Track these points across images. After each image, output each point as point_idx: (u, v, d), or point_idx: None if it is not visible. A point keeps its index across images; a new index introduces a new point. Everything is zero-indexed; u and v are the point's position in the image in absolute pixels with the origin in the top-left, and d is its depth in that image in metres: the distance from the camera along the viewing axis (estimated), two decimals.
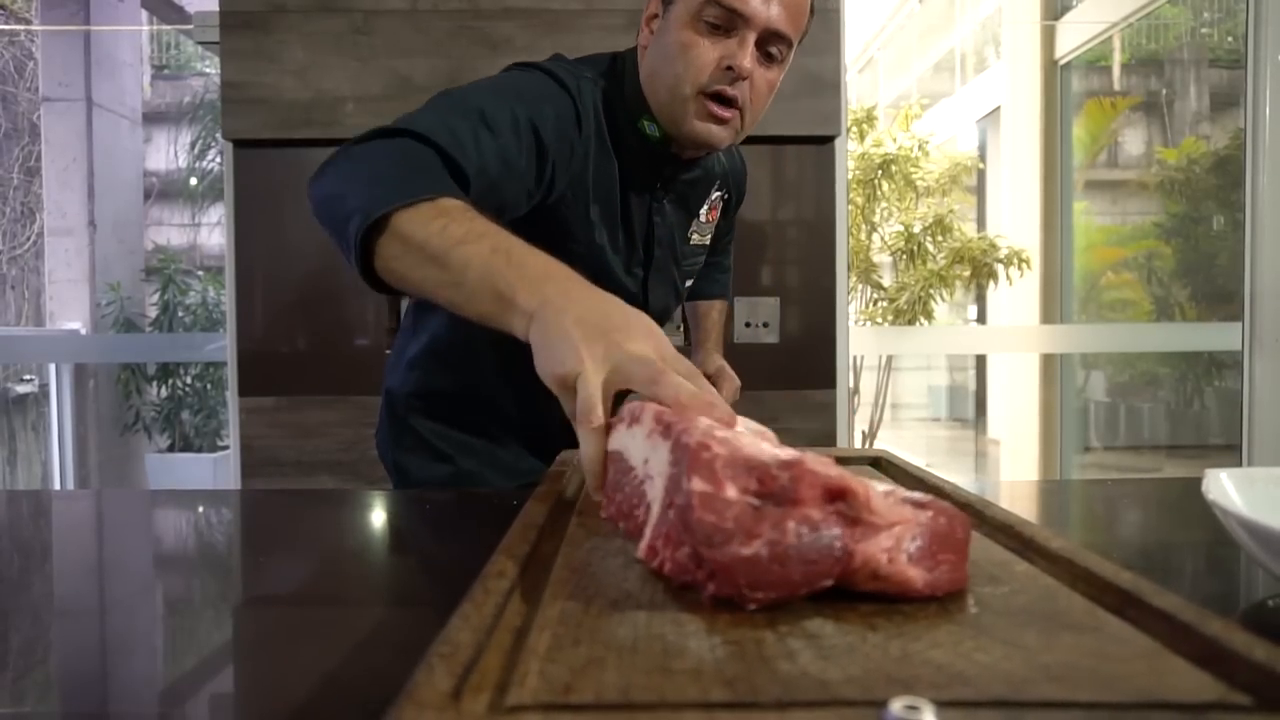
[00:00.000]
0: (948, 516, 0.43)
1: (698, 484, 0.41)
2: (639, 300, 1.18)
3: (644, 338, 0.60)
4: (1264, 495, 0.53)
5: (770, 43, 1.00)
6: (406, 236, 0.73)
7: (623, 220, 1.11)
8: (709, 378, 1.32)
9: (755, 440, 0.46)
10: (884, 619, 0.38)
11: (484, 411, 1.18)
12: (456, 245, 0.71)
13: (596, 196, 1.07)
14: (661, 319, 1.26)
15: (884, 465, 0.76)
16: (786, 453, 0.44)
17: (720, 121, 1.02)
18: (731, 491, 0.40)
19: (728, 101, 1.01)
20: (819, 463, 0.42)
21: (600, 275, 1.09)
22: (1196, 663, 0.32)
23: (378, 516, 0.89)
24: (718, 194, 1.27)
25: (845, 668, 0.32)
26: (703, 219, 1.25)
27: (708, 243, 1.30)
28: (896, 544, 0.41)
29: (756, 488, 0.41)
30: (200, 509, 0.96)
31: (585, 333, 0.59)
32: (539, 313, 0.63)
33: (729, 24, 0.98)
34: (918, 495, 0.45)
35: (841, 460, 0.80)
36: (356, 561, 0.72)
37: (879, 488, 0.44)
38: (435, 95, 0.96)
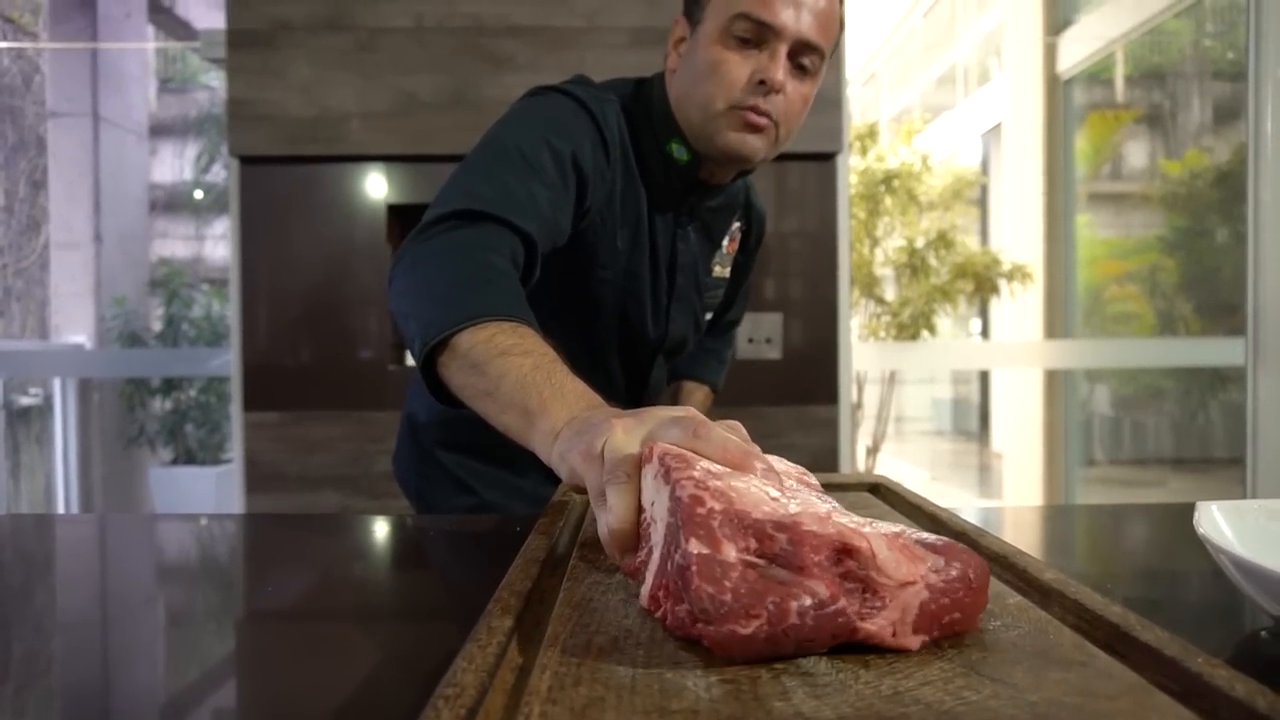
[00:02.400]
0: (963, 582, 0.41)
1: (695, 545, 0.39)
2: (660, 329, 1.17)
3: (682, 411, 0.55)
4: (1255, 528, 0.54)
5: (802, 54, 0.99)
6: (457, 348, 0.74)
7: (650, 250, 1.10)
8: None
9: (752, 488, 0.44)
10: (877, 656, 0.38)
11: (505, 440, 1.17)
12: (499, 355, 0.71)
13: (624, 222, 1.07)
14: (680, 349, 1.25)
15: (882, 492, 0.76)
16: (785, 508, 0.42)
17: (755, 130, 1.00)
18: (730, 553, 0.39)
19: (761, 115, 1.00)
20: (816, 520, 0.40)
21: (627, 301, 1.10)
22: (1180, 699, 0.33)
23: (382, 541, 0.89)
24: (737, 224, 1.25)
25: (837, 706, 0.32)
26: (724, 250, 1.24)
27: (728, 275, 1.28)
28: (903, 615, 0.39)
29: (756, 547, 0.40)
30: (209, 530, 0.96)
31: (618, 415, 0.56)
32: (570, 423, 0.60)
33: (759, 37, 0.97)
34: (931, 538, 0.43)
35: (841, 486, 0.81)
36: (360, 585, 0.72)
37: (884, 529, 0.43)
38: (474, 151, 0.97)
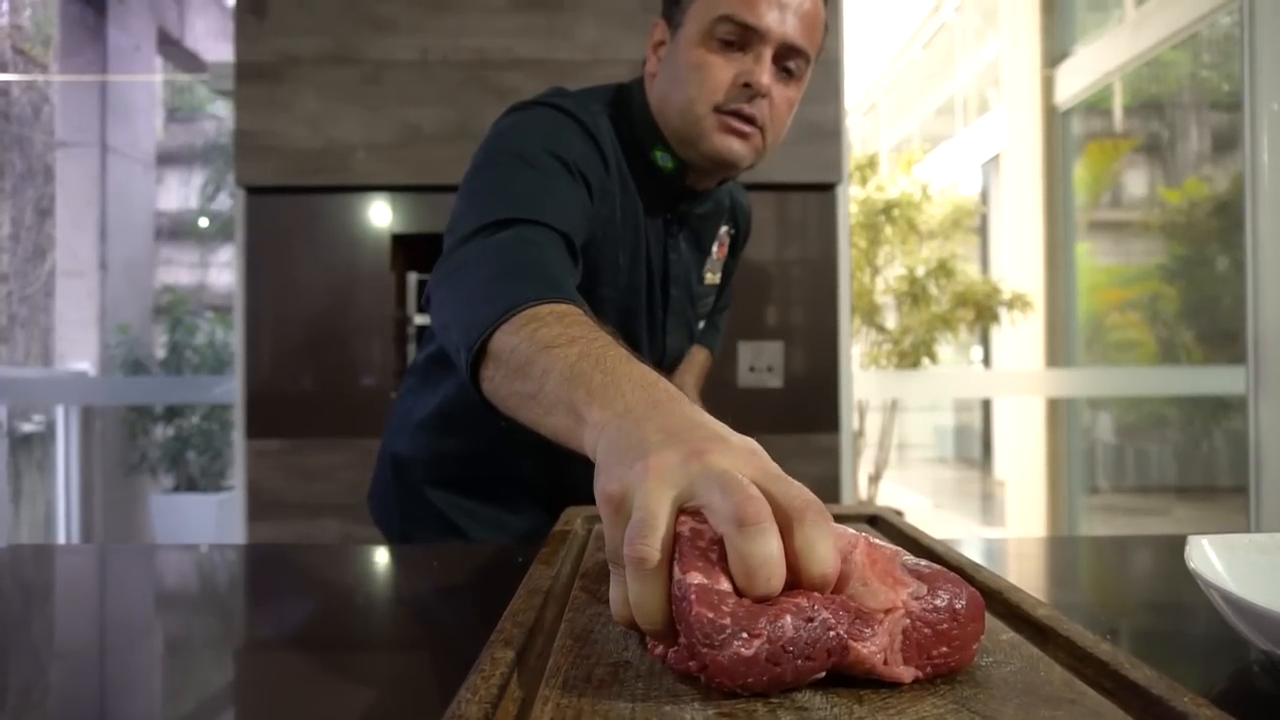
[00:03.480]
0: (948, 613, 0.41)
1: (694, 576, 0.39)
2: (659, 344, 1.13)
3: (741, 455, 0.46)
4: (1245, 562, 0.55)
5: (787, 57, 0.96)
6: (498, 353, 0.66)
7: (645, 259, 1.07)
8: None
9: None
10: (871, 691, 0.39)
11: (498, 474, 1.13)
12: (541, 351, 0.62)
13: (624, 235, 1.03)
14: (676, 363, 1.21)
15: (880, 524, 0.77)
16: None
17: (740, 136, 0.97)
18: (726, 584, 0.39)
19: (747, 120, 0.97)
20: None
21: (626, 319, 1.06)
22: None
23: (383, 572, 0.90)
24: (725, 229, 1.21)
25: None
26: (714, 256, 1.20)
27: (719, 281, 1.24)
28: (892, 641, 0.39)
29: None
30: (210, 559, 0.97)
31: (663, 439, 0.46)
32: (615, 421, 0.51)
33: (744, 40, 0.94)
34: (924, 566, 0.43)
35: (839, 518, 0.81)
36: (361, 616, 0.73)
37: (884, 548, 0.43)
38: (472, 175, 0.92)
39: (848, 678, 0.40)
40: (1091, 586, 0.81)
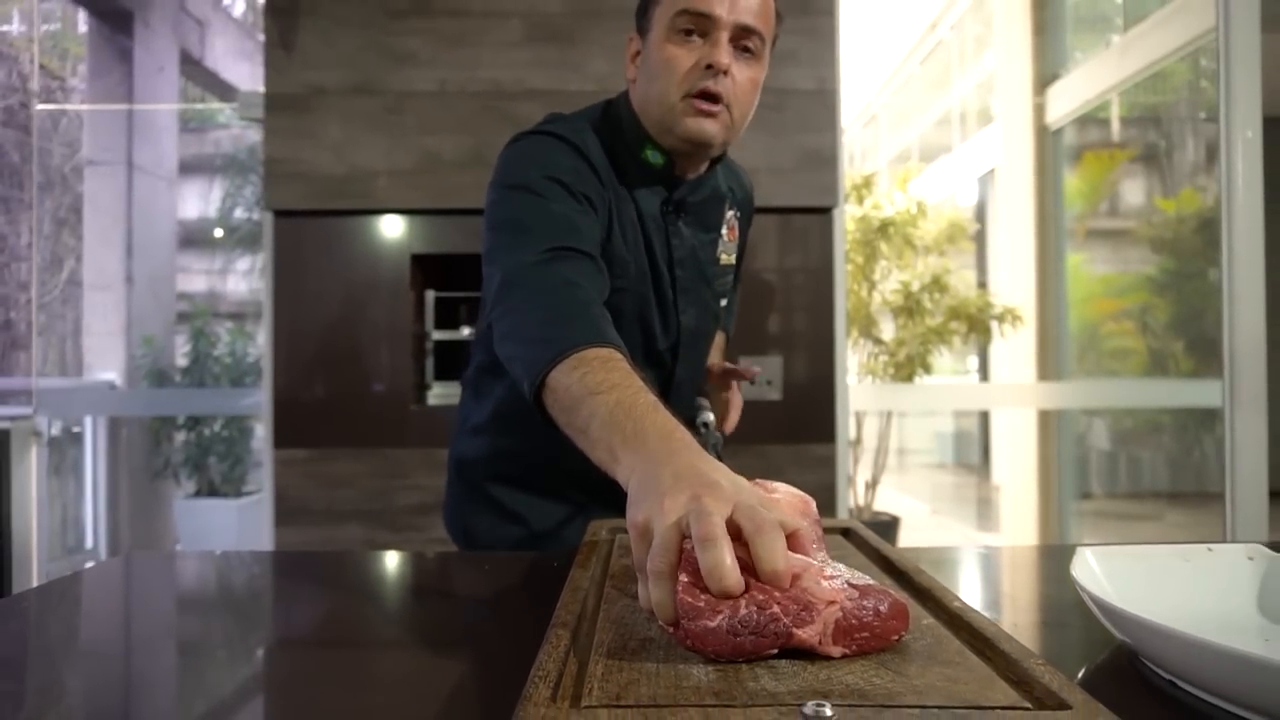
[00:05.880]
0: (873, 613, 0.55)
1: (683, 578, 0.56)
2: (673, 323, 1.24)
3: (727, 495, 0.61)
4: (1120, 569, 0.70)
5: (744, 38, 1.09)
6: (554, 388, 0.85)
7: (647, 252, 1.20)
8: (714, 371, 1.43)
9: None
10: (822, 660, 0.55)
11: (555, 469, 1.25)
12: (588, 395, 0.79)
13: (625, 234, 1.16)
14: (697, 339, 1.31)
15: (851, 535, 0.93)
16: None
17: (707, 115, 1.10)
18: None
19: (713, 98, 1.09)
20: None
21: (640, 305, 1.21)
22: (1013, 685, 0.50)
23: (451, 575, 1.05)
24: (731, 213, 1.33)
25: (788, 685, 0.50)
26: (725, 238, 1.31)
27: (734, 261, 1.36)
28: (826, 628, 0.54)
29: None
30: (234, 565, 1.12)
31: (675, 484, 0.63)
32: (641, 465, 0.68)
33: (701, 28, 1.08)
34: (860, 581, 0.59)
35: None
36: (435, 613, 0.88)
37: (830, 571, 0.59)
38: (494, 209, 1.08)
39: (802, 653, 0.56)
40: (1021, 587, 0.97)
